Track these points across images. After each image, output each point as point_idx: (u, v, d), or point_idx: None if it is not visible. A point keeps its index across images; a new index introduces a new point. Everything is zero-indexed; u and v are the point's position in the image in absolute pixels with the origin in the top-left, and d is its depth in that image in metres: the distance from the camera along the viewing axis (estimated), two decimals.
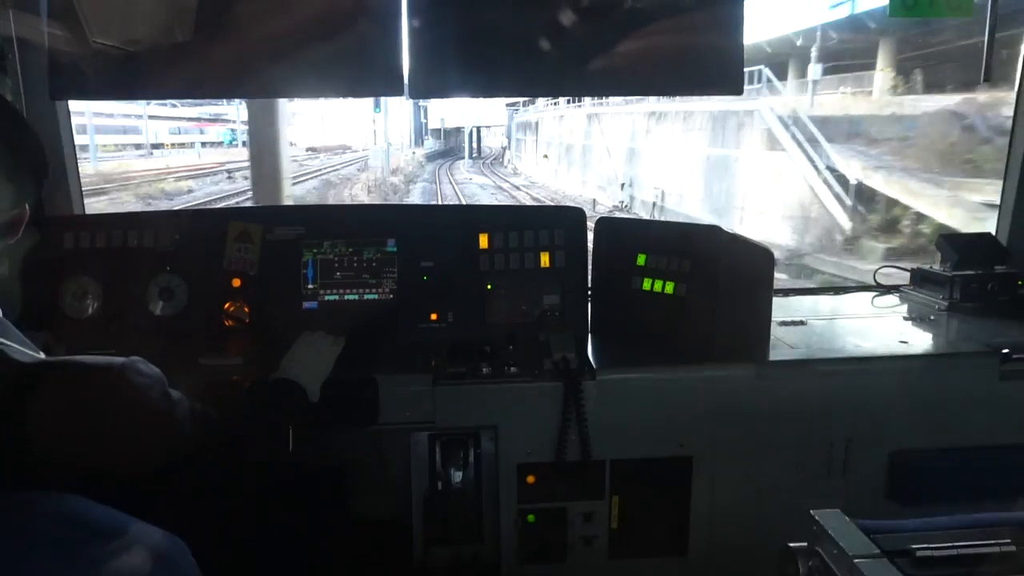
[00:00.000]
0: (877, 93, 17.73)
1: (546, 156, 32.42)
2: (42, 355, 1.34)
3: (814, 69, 17.72)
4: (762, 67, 17.43)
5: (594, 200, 21.87)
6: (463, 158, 44.41)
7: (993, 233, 2.76)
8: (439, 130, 53.60)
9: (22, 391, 1.09)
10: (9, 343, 1.15)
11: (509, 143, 45.74)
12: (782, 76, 18.42)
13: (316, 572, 1.89)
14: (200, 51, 1.93)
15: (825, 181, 14.06)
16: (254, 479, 1.60)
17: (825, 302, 2.79)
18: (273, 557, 1.70)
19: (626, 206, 21.10)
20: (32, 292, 2.14)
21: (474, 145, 48.93)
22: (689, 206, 18.10)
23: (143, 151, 33.99)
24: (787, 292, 2.86)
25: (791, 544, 1.15)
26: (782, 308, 2.51)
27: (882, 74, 18.11)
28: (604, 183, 23.98)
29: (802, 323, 2.40)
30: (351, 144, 44.80)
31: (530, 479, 2.06)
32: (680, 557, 2.12)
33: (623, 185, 21.89)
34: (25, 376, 1.12)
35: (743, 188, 16.24)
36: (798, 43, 19.42)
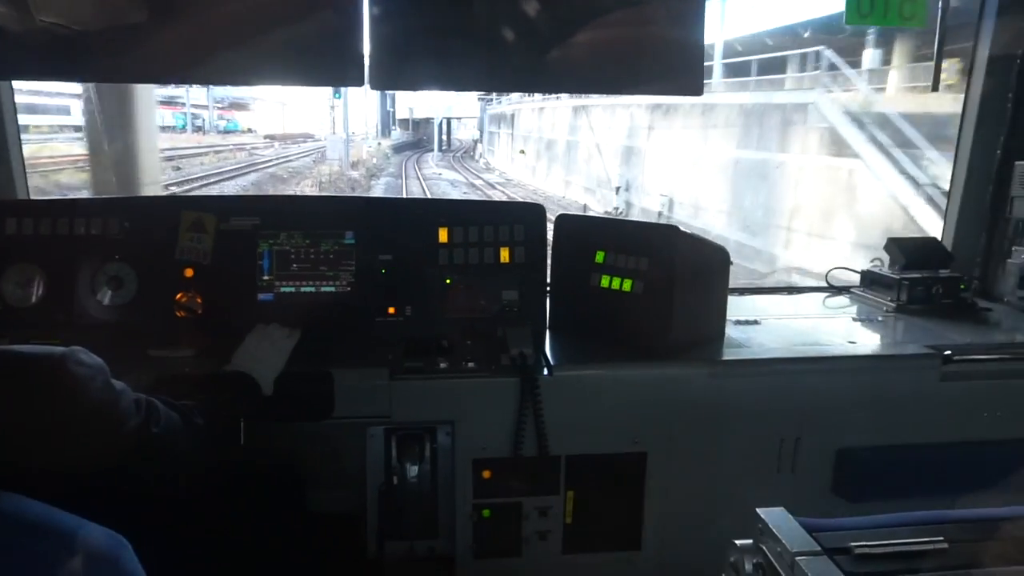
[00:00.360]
0: (892, 91, 14.81)
1: (523, 151, 31.36)
2: None
3: (871, 56, 14.23)
4: (822, 48, 13.78)
5: (585, 205, 19.46)
6: (432, 150, 43.62)
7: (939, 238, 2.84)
8: (407, 120, 52.83)
9: None
10: None
11: (481, 136, 45.17)
12: (781, 69, 16.02)
13: (270, 566, 1.86)
14: (153, 33, 1.86)
15: (929, 201, 10.13)
16: (207, 472, 1.58)
17: (779, 302, 2.85)
18: (226, 551, 1.67)
19: (621, 213, 17.92)
20: None
21: (444, 137, 48.32)
22: (709, 220, 14.37)
23: (81, 133, 31.98)
24: (742, 291, 2.92)
25: (737, 541, 1.18)
26: (737, 307, 2.56)
27: (897, 71, 16.22)
28: (593, 185, 21.40)
29: (756, 322, 2.45)
30: (314, 132, 43.81)
31: (486, 474, 2.07)
32: (633, 552, 2.15)
33: (618, 189, 19.11)
34: None
35: (789, 202, 12.70)
36: (805, 35, 17.53)
